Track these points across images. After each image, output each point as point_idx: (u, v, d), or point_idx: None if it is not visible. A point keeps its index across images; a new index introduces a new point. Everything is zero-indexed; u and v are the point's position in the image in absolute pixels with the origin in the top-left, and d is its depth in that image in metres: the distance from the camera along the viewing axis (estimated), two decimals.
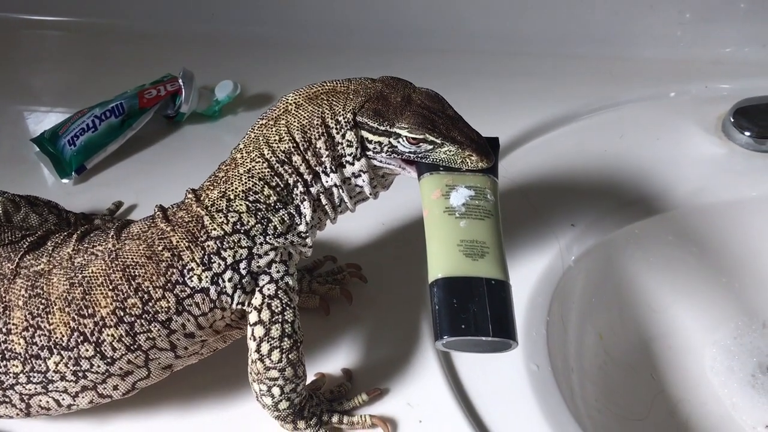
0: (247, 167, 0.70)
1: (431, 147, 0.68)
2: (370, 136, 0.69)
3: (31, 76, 1.40)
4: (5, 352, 0.67)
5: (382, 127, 0.68)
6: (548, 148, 1.13)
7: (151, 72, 1.24)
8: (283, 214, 0.70)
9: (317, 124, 0.69)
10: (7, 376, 0.68)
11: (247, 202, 0.69)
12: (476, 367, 0.81)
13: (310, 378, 0.78)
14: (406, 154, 0.69)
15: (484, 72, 1.31)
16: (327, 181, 0.71)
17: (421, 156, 0.69)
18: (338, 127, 0.69)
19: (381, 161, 0.71)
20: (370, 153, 0.70)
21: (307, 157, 0.70)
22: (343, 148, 0.70)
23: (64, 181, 1.11)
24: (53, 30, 1.48)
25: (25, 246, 0.72)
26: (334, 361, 0.82)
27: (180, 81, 1.18)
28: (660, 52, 1.30)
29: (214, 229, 0.68)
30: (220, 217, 0.68)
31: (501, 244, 0.64)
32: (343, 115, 0.69)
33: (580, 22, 1.32)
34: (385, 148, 0.69)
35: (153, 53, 1.39)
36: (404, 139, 0.68)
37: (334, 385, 0.78)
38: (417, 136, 0.67)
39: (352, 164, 0.70)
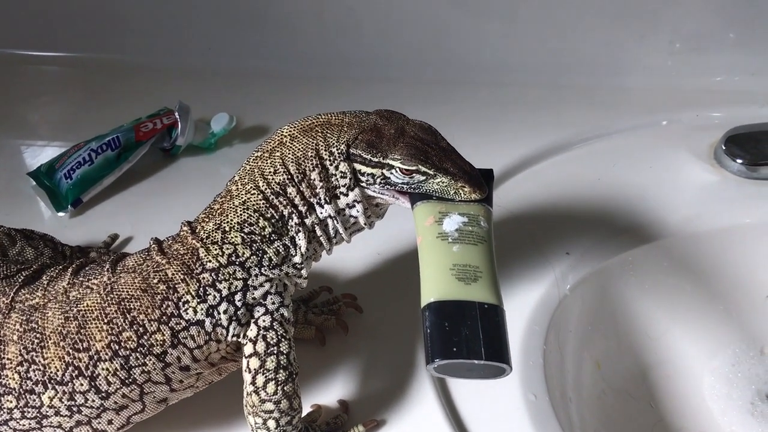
0: (242, 199, 0.70)
1: (424, 178, 0.68)
2: (363, 168, 0.69)
3: (27, 111, 1.41)
4: None
5: (375, 159, 0.69)
6: (542, 177, 1.13)
7: (147, 105, 1.25)
8: (278, 246, 0.70)
9: (311, 156, 0.69)
10: (1, 412, 0.67)
11: (242, 234, 0.69)
12: (474, 397, 0.81)
13: (307, 410, 0.78)
14: (399, 185, 0.69)
15: (477, 102, 1.32)
16: (321, 213, 0.71)
17: (414, 187, 0.69)
18: (332, 158, 0.69)
19: (374, 192, 0.71)
20: (363, 184, 0.70)
21: (301, 189, 0.70)
22: (337, 179, 0.70)
23: (60, 214, 1.11)
24: (49, 65, 1.49)
25: (20, 280, 0.72)
26: (330, 392, 0.82)
27: (176, 114, 1.19)
28: (651, 82, 1.32)
29: (210, 261, 0.68)
30: (216, 249, 0.68)
31: (494, 270, 0.64)
32: (336, 146, 0.69)
33: (572, 52, 1.34)
34: (378, 180, 0.70)
35: (149, 87, 1.40)
36: (397, 170, 0.68)
37: (330, 417, 0.78)
38: (410, 168, 0.68)
39: (346, 195, 0.71)
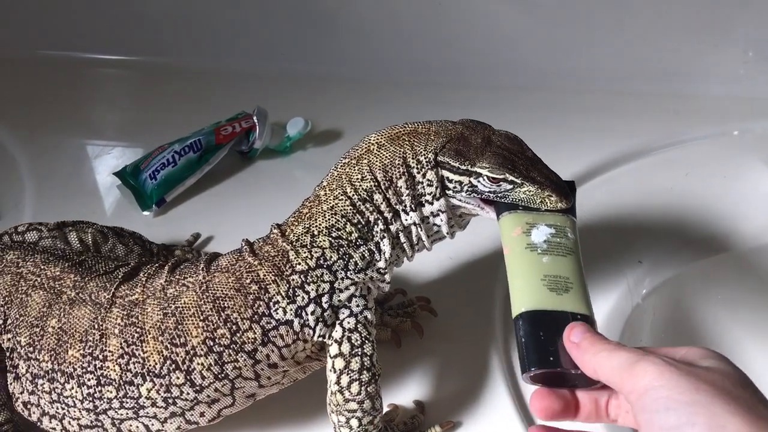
0: (330, 204, 0.72)
1: (511, 187, 0.69)
2: (451, 176, 0.71)
3: (112, 114, 1.46)
4: (101, 377, 0.71)
5: (463, 167, 0.70)
6: (614, 185, 1.14)
7: (224, 109, 1.28)
8: (364, 251, 0.72)
9: (398, 164, 0.71)
10: (101, 401, 0.71)
11: (330, 238, 0.71)
12: None
13: (384, 410, 0.80)
14: (486, 193, 0.70)
15: (550, 109, 1.33)
16: (406, 220, 0.73)
17: (500, 196, 0.70)
18: (419, 166, 0.71)
19: (460, 200, 0.72)
20: (449, 192, 0.72)
21: (387, 196, 0.72)
22: (423, 187, 0.72)
23: (145, 213, 1.15)
24: (131, 70, 1.53)
25: (119, 276, 0.76)
26: (406, 392, 0.84)
27: (254, 118, 1.22)
28: (724, 90, 1.31)
29: (299, 264, 0.71)
30: (305, 252, 0.71)
31: (584, 281, 0.65)
32: (424, 155, 0.71)
33: (645, 59, 1.34)
34: (465, 188, 0.71)
35: (225, 91, 1.44)
36: (485, 178, 0.69)
37: (407, 417, 0.80)
38: (497, 176, 0.69)
39: (431, 203, 0.72)
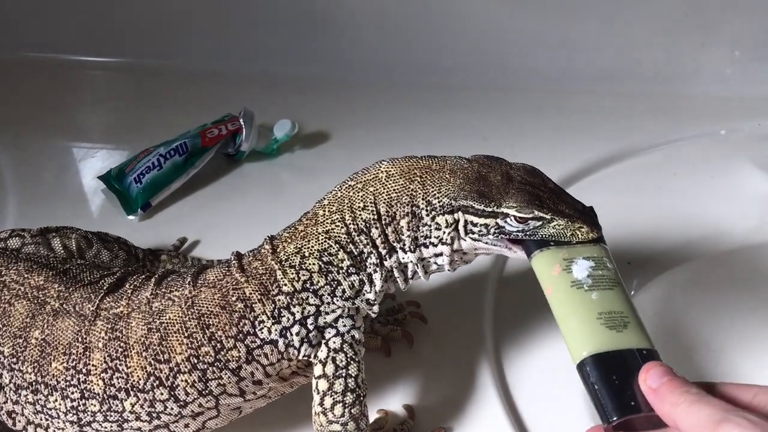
0: (326, 227, 0.70)
1: (540, 223, 0.66)
2: (476, 219, 0.68)
3: (95, 117, 1.45)
4: (84, 391, 0.70)
5: (488, 209, 0.67)
6: (601, 185, 1.14)
7: (210, 111, 1.27)
8: (354, 280, 0.70)
9: (405, 202, 0.69)
10: (85, 414, 0.71)
11: (320, 262, 0.70)
12: (538, 406, 0.82)
13: (373, 415, 0.80)
14: (514, 233, 0.68)
15: (536, 110, 1.33)
16: (403, 258, 0.71)
17: (529, 234, 0.67)
18: (429, 208, 0.69)
19: (487, 243, 0.70)
20: (475, 236, 0.69)
21: (386, 232, 0.70)
22: (429, 230, 0.69)
23: (131, 217, 1.14)
24: (116, 72, 1.52)
25: (104, 287, 0.75)
26: (396, 398, 0.84)
27: (241, 120, 1.22)
28: (711, 90, 1.31)
29: (285, 285, 0.69)
30: (292, 273, 0.70)
31: (636, 311, 0.62)
32: (438, 198, 0.69)
33: (632, 60, 1.34)
34: (492, 230, 0.68)
35: (211, 93, 1.43)
36: (512, 218, 0.67)
37: (397, 423, 0.80)
38: (526, 215, 0.66)
39: (436, 246, 0.70)
